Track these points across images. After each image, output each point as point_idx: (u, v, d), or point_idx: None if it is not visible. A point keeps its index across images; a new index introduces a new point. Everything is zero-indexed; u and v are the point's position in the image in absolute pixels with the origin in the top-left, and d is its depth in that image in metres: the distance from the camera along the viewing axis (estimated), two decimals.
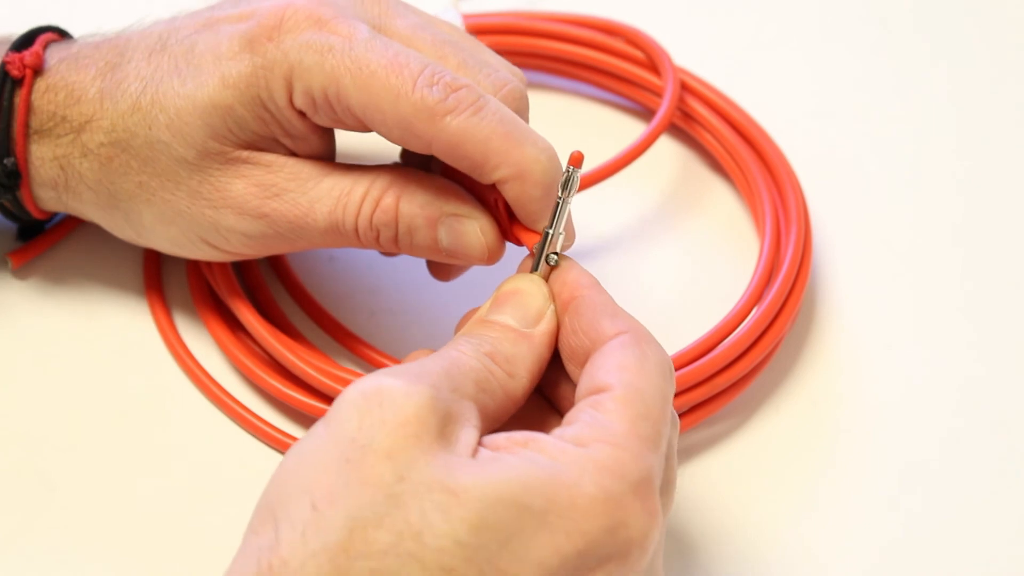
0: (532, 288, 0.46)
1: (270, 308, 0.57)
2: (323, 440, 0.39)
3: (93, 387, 0.55)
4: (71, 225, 0.60)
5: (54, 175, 0.52)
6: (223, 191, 0.50)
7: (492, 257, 0.50)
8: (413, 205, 0.49)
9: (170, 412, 0.55)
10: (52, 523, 0.51)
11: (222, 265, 0.56)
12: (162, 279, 0.59)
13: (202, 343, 0.57)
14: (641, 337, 0.42)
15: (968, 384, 0.58)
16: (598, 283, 0.45)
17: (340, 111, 0.48)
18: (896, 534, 0.53)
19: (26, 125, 0.51)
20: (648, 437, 0.40)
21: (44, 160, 0.52)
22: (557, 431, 0.40)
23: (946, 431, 0.57)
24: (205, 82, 0.49)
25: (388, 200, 0.49)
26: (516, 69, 0.53)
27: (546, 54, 0.68)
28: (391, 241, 0.50)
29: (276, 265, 0.59)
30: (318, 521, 0.37)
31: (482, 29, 0.67)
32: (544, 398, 0.47)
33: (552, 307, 0.45)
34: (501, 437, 0.40)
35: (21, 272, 0.58)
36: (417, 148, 0.48)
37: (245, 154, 0.50)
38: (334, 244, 0.51)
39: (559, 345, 0.45)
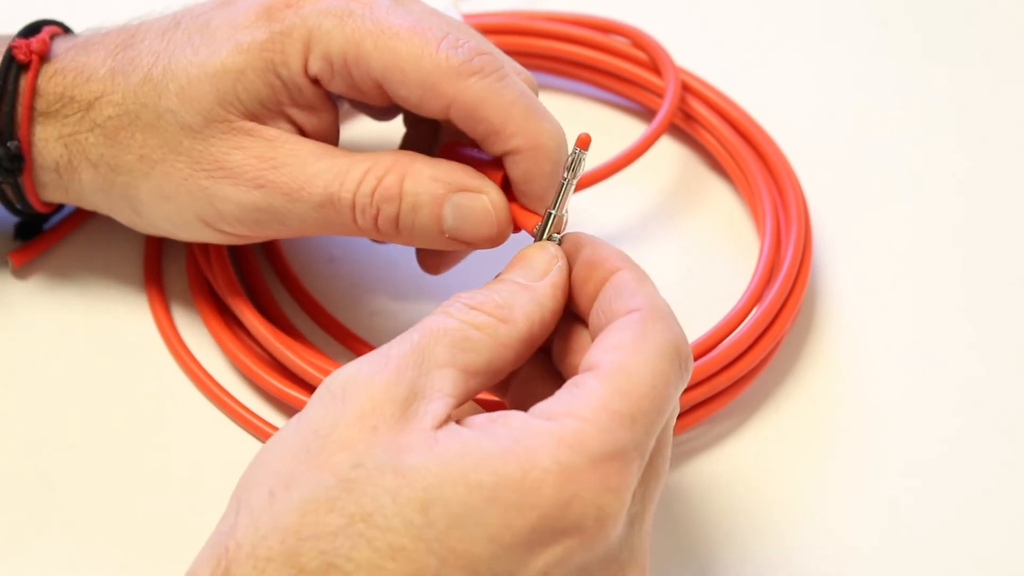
0: (538, 251, 0.45)
1: (270, 308, 0.57)
2: (291, 433, 0.40)
3: (93, 387, 0.55)
4: (72, 225, 0.60)
5: (57, 155, 0.52)
6: (222, 160, 0.50)
7: (500, 235, 0.49)
8: (418, 182, 0.49)
9: (170, 412, 0.55)
10: (52, 523, 0.51)
11: (222, 264, 0.56)
12: (162, 279, 0.59)
13: (202, 343, 0.57)
14: (648, 316, 0.41)
15: (968, 384, 0.58)
16: (627, 258, 0.45)
17: (358, 75, 0.48)
18: (896, 534, 0.53)
19: (31, 108, 0.52)
20: (622, 413, 0.39)
21: (48, 141, 0.52)
22: (533, 407, 0.40)
23: (946, 431, 0.57)
24: (219, 49, 0.50)
25: (391, 178, 0.49)
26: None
27: (546, 54, 0.68)
28: (391, 221, 0.49)
29: (276, 265, 0.59)
30: (272, 505, 0.38)
31: (482, 29, 0.67)
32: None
33: (560, 263, 0.45)
34: (481, 416, 0.40)
35: (21, 272, 0.58)
36: (432, 110, 0.48)
37: (249, 125, 0.50)
38: (328, 225, 0.50)
39: (591, 330, 0.44)
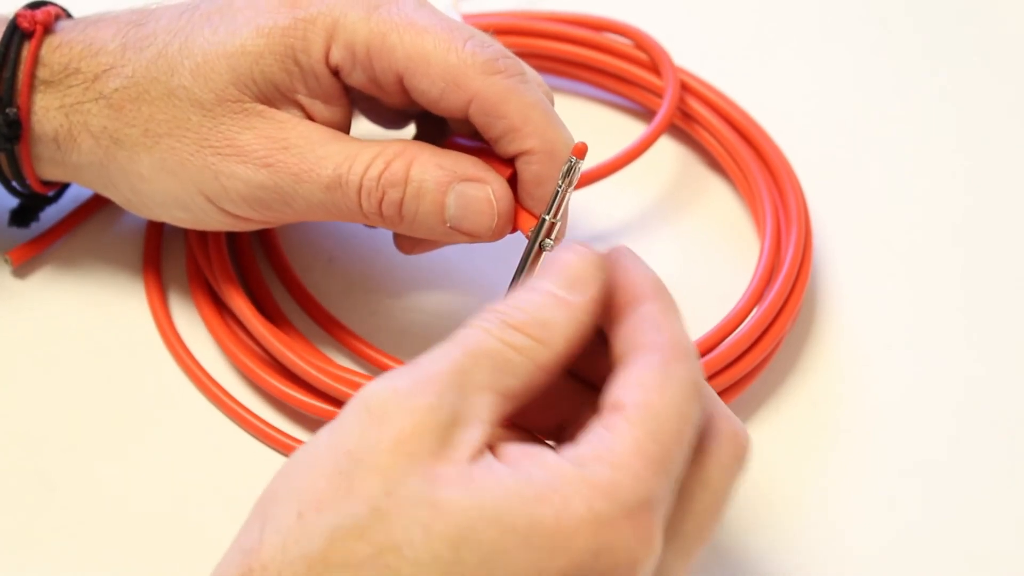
0: (577, 258, 0.42)
1: (270, 307, 0.57)
2: (322, 449, 0.39)
3: (93, 387, 0.55)
4: (71, 224, 0.60)
5: (57, 125, 0.52)
6: (232, 139, 0.50)
7: (500, 229, 0.49)
8: (425, 169, 0.49)
9: (170, 412, 0.55)
10: (52, 523, 0.51)
11: (222, 263, 0.56)
12: (161, 278, 0.59)
13: (202, 342, 0.57)
14: (670, 354, 0.40)
15: (968, 384, 0.58)
16: (658, 284, 0.42)
17: (380, 66, 0.49)
18: (896, 534, 0.53)
19: (32, 76, 0.52)
20: (655, 460, 0.38)
21: (49, 109, 0.52)
22: (563, 449, 0.39)
23: (946, 431, 0.57)
24: (238, 31, 0.50)
25: (398, 163, 0.49)
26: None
27: (546, 54, 0.68)
28: (395, 205, 0.49)
29: (276, 264, 0.59)
30: (301, 528, 0.37)
31: (482, 29, 0.67)
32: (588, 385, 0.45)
33: (602, 276, 0.42)
34: (512, 448, 0.39)
35: (21, 271, 0.58)
36: (452, 105, 0.48)
37: (260, 108, 0.50)
38: (333, 209, 0.50)
39: (612, 351, 0.42)
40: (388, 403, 0.38)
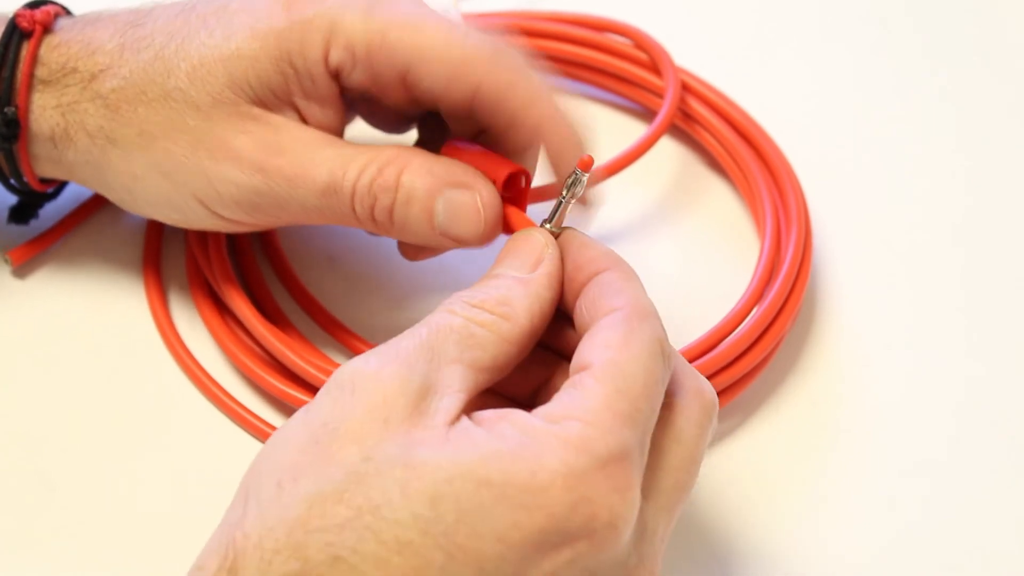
0: (527, 240, 0.46)
1: (270, 307, 0.57)
2: (299, 425, 0.40)
3: (93, 387, 0.55)
4: (71, 224, 0.60)
5: (53, 124, 0.52)
6: (226, 143, 0.50)
7: (487, 235, 0.49)
8: (415, 175, 0.49)
9: (171, 412, 0.55)
10: (52, 523, 0.51)
11: (222, 263, 0.56)
12: (161, 278, 0.59)
13: (202, 342, 0.57)
14: (633, 314, 0.42)
15: (968, 384, 0.58)
16: (613, 256, 0.45)
17: (380, 64, 0.49)
18: (896, 534, 0.53)
19: (31, 76, 0.52)
20: (624, 413, 0.39)
21: (46, 108, 0.52)
22: (535, 409, 0.40)
23: (946, 431, 0.57)
24: (234, 34, 0.50)
25: (390, 170, 0.49)
26: None
27: (546, 54, 0.68)
28: (387, 211, 0.49)
29: (275, 264, 0.59)
30: (280, 497, 0.38)
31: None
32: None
33: (552, 251, 0.45)
34: (487, 412, 0.40)
35: (21, 271, 0.58)
36: (457, 97, 0.48)
37: (256, 111, 0.50)
38: (328, 213, 0.50)
39: (576, 326, 0.44)
40: (357, 377, 0.40)
